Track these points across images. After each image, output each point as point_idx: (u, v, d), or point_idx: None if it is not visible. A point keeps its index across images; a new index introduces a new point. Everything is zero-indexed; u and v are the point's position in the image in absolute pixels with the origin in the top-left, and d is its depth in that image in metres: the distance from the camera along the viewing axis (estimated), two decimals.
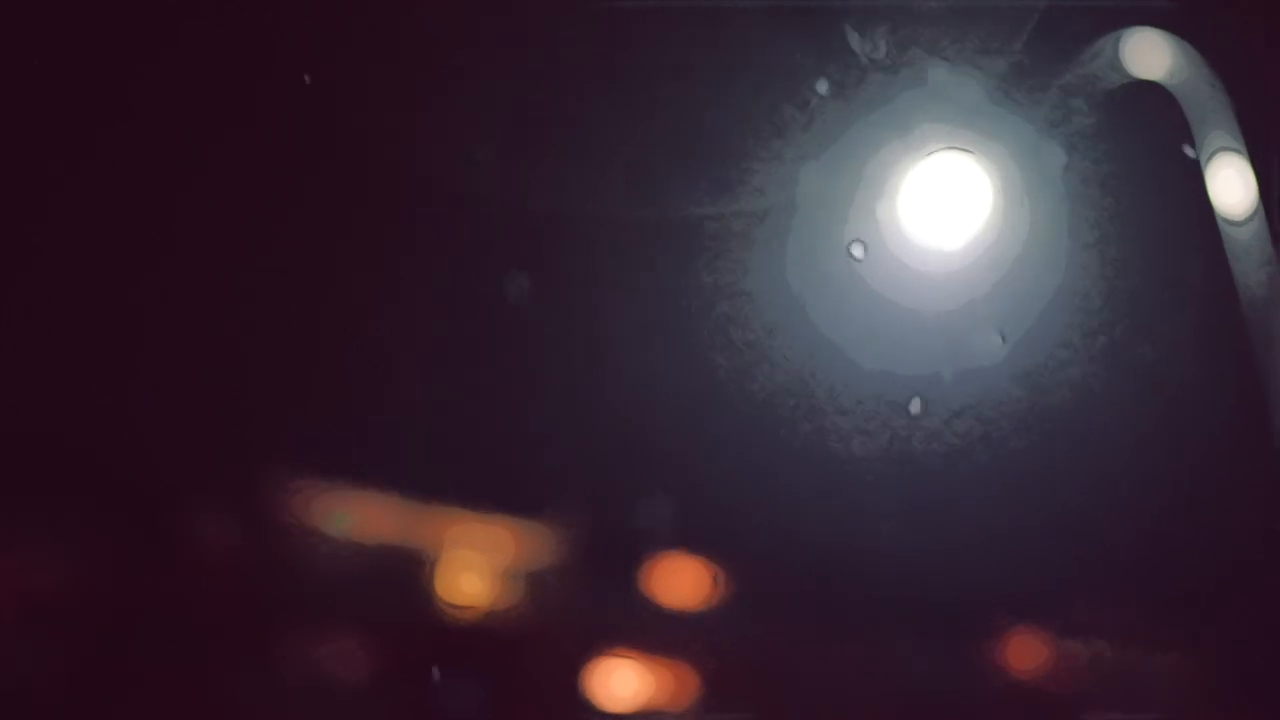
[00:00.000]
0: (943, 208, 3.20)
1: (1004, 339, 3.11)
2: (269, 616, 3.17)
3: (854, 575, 3.26)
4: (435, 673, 3.14)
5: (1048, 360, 3.16)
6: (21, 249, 2.86)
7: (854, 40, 2.98)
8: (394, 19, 2.92)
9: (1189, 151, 3.09)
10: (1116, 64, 3.22)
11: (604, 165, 3.03)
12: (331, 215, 3.02)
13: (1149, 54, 3.23)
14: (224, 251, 3.01)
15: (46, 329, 2.92)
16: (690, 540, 3.41)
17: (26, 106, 2.81)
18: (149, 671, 3.03)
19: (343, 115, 2.94)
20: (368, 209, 3.03)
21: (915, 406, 3.13)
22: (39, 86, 2.84)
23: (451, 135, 2.98)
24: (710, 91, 3.01)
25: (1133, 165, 3.17)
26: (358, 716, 3.19)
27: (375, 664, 3.23)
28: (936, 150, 3.19)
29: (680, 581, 3.44)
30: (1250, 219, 3.23)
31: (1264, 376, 3.23)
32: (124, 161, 2.93)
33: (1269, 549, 3.21)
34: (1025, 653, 3.50)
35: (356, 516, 3.31)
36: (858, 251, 3.12)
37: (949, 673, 3.42)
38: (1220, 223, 3.23)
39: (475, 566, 3.39)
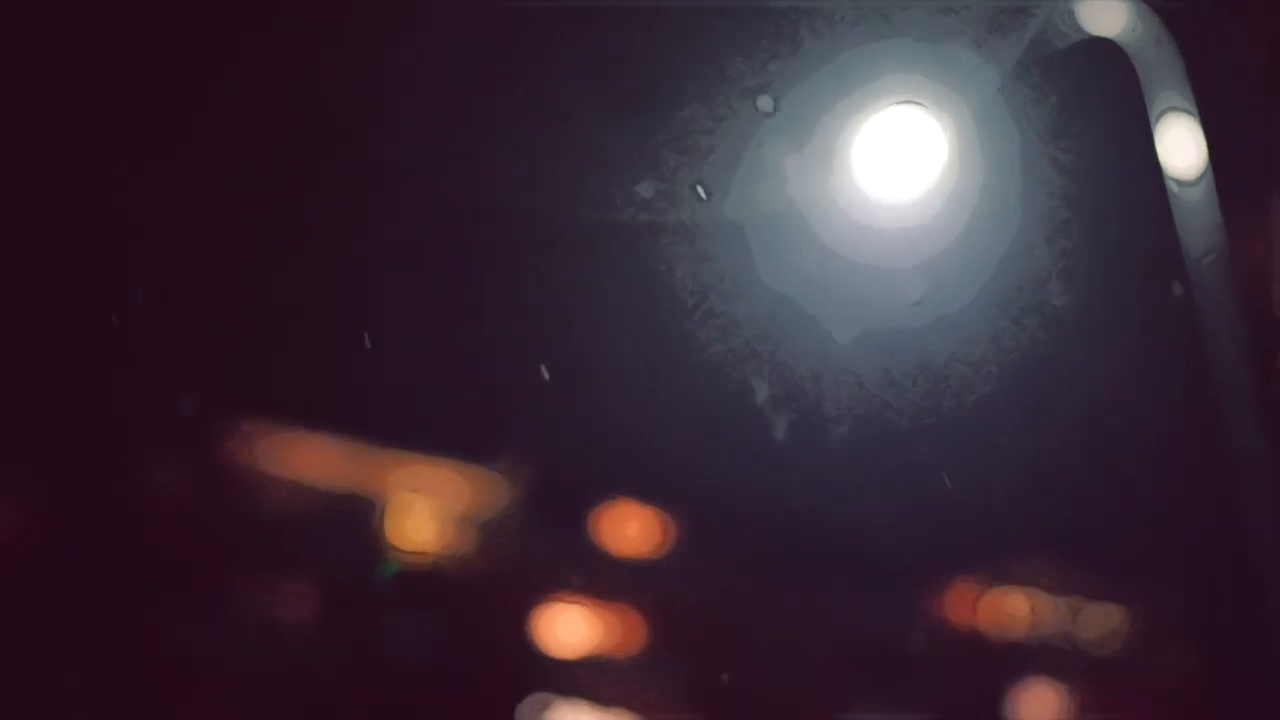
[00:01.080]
0: (897, 162, 3.20)
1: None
2: (220, 559, 3.17)
3: (803, 529, 3.29)
4: None
5: (999, 319, 3.19)
6: None
7: None
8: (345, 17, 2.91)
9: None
10: (1071, 20, 3.22)
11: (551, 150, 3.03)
12: (301, 179, 3.00)
13: (1103, 11, 3.23)
14: (184, 204, 2.98)
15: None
16: (640, 489, 3.43)
17: None
18: (100, 612, 3.02)
19: (316, 100, 2.94)
20: (336, 181, 3.02)
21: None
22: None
23: (424, 129, 2.97)
24: (663, 51, 3.00)
25: (1086, 120, 3.18)
26: (307, 658, 3.19)
27: (325, 607, 3.23)
28: (890, 104, 3.18)
29: (629, 530, 3.46)
30: (1199, 180, 3.24)
31: (1207, 340, 3.27)
32: (94, 125, 2.91)
33: (1204, 509, 3.26)
34: (969, 608, 3.56)
35: (307, 461, 3.31)
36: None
37: (893, 625, 3.47)
38: (1168, 183, 3.24)
39: (425, 511, 3.39)
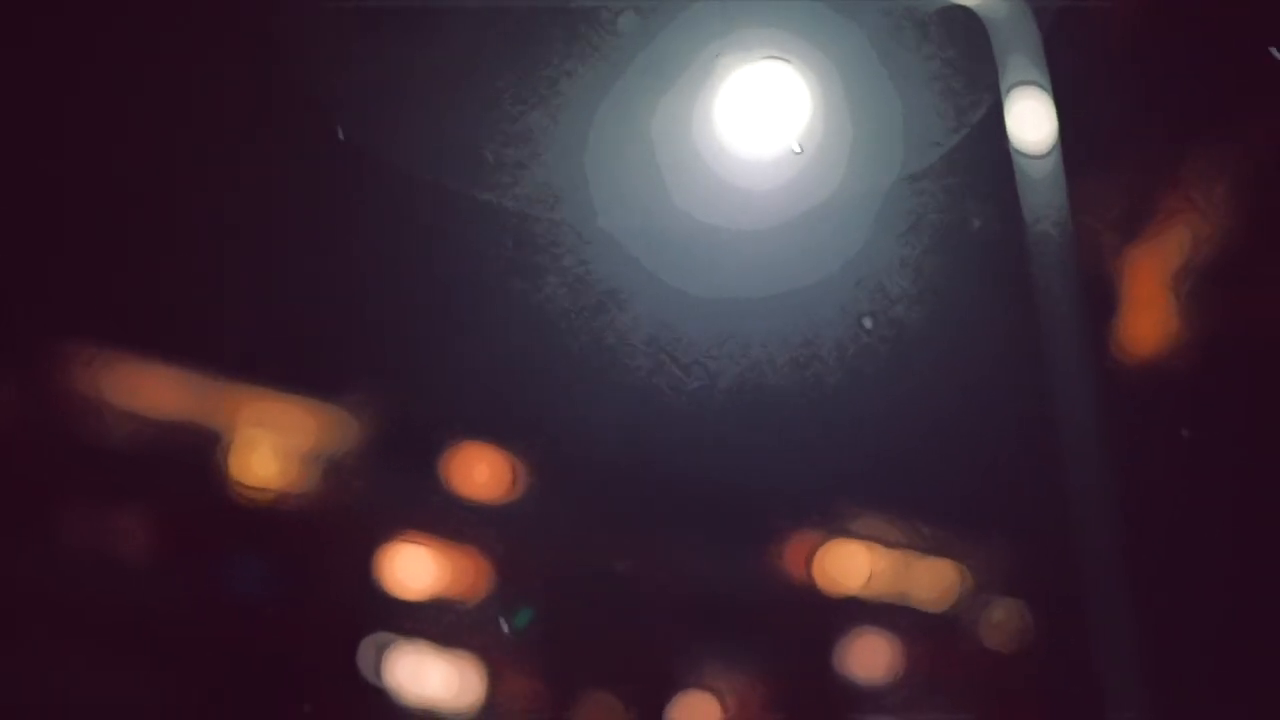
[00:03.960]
0: (761, 118, 3.20)
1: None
2: (54, 490, 3.07)
3: (649, 478, 3.32)
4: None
5: (849, 281, 3.23)
6: None
7: None
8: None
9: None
10: None
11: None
12: (167, 109, 2.91)
13: None
14: (25, 119, 2.86)
15: None
16: (490, 433, 3.42)
17: None
18: None
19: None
20: (204, 108, 2.93)
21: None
22: None
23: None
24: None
25: (944, 86, 3.22)
26: (145, 593, 3.12)
27: (164, 541, 3.15)
28: (754, 59, 3.18)
29: (478, 473, 3.45)
30: (1048, 154, 3.31)
31: (1044, 309, 3.35)
32: None
33: (1035, 471, 3.37)
34: (807, 560, 3.63)
35: (151, 392, 3.21)
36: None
37: (734, 574, 3.52)
38: (1015, 155, 3.30)
39: (270, 447, 3.32)
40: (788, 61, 3.17)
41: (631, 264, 3.16)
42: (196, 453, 3.26)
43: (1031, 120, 3.30)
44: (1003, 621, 3.65)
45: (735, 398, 3.26)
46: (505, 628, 3.32)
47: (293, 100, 2.94)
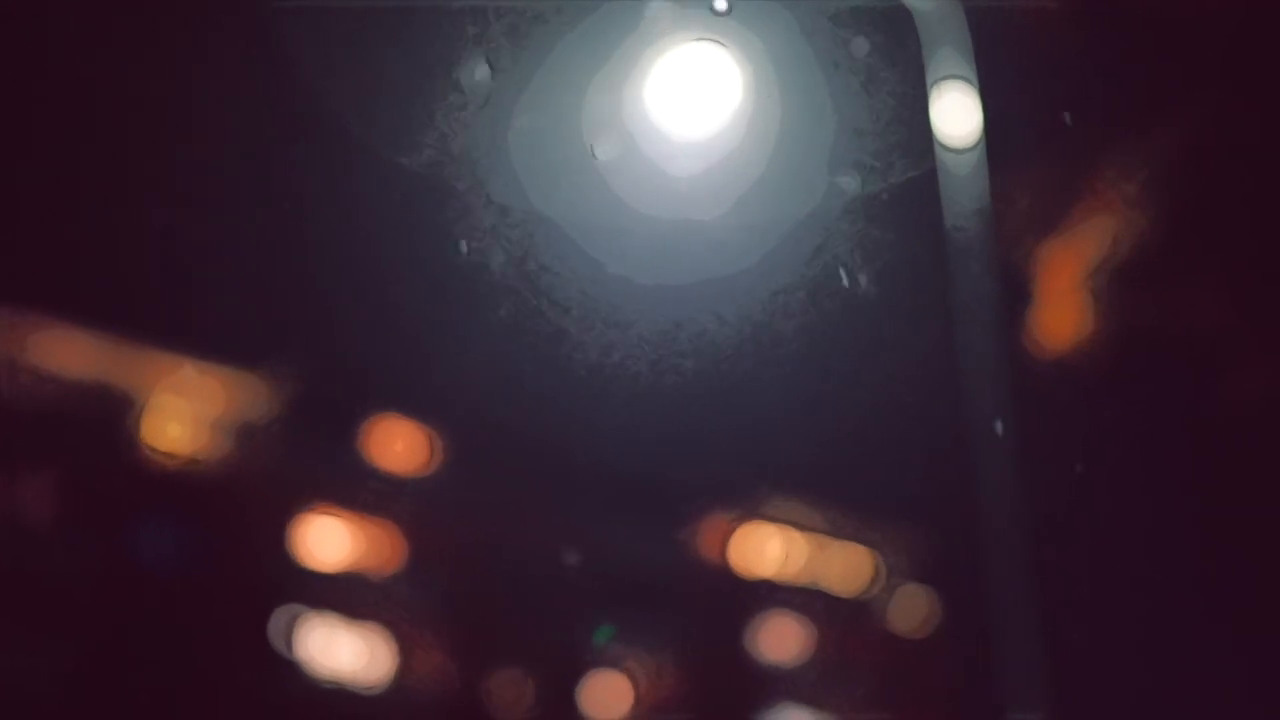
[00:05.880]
0: (693, 100, 3.20)
1: None
2: None
3: (568, 457, 3.32)
4: None
5: (775, 266, 3.25)
6: None
7: None
8: None
9: None
10: None
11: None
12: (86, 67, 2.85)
13: None
14: None
15: None
16: (408, 405, 3.39)
17: None
18: None
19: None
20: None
21: None
22: None
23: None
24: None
25: (875, 76, 3.24)
26: (49, 560, 3.06)
27: (71, 507, 3.09)
28: (687, 41, 3.18)
29: (395, 445, 3.42)
30: (972, 148, 3.34)
31: (961, 301, 3.39)
32: None
33: (948, 459, 3.41)
34: (721, 540, 3.65)
35: (63, 353, 3.14)
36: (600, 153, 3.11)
37: (652, 554, 3.53)
38: (938, 150, 3.33)
39: (184, 413, 3.27)
40: (720, 44, 3.18)
41: (556, 241, 3.15)
42: (106, 417, 3.20)
43: (957, 114, 3.32)
44: (912, 608, 3.69)
45: (653, 380, 3.27)
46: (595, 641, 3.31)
47: (217, 72, 2.90)
